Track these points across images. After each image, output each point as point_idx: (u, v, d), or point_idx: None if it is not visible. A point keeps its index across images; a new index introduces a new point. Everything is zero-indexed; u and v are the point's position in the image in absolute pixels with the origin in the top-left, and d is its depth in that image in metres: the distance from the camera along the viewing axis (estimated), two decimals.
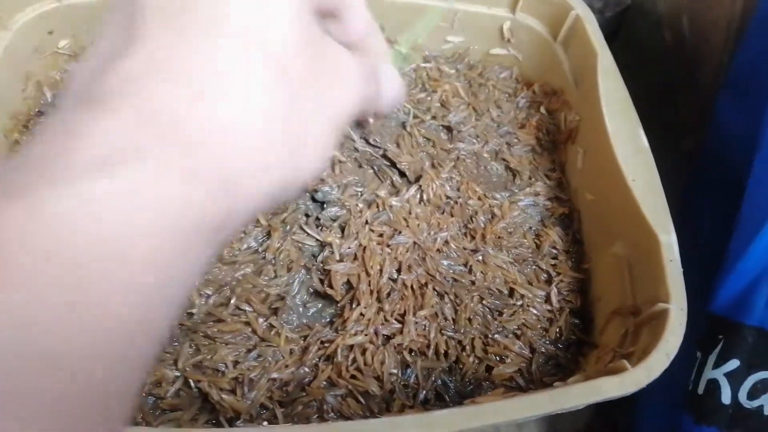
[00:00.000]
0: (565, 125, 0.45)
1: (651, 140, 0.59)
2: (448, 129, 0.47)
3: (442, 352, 0.36)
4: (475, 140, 0.46)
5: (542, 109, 0.48)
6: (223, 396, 0.33)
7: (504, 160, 0.45)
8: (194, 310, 0.36)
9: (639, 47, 0.69)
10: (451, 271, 0.40)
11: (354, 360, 0.35)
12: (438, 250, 0.40)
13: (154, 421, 0.33)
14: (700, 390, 0.35)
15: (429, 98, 0.48)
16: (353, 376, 0.35)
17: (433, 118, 0.47)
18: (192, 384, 0.34)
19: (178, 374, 0.34)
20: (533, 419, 0.44)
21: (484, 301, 0.39)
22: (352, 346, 0.35)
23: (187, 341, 0.35)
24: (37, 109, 0.45)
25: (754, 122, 0.38)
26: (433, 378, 0.35)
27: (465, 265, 0.40)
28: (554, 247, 0.41)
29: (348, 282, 0.38)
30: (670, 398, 0.39)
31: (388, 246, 0.39)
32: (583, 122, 0.43)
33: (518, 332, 0.38)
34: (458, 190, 0.43)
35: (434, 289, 0.38)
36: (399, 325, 0.37)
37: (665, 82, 0.66)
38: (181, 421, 0.33)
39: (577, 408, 0.29)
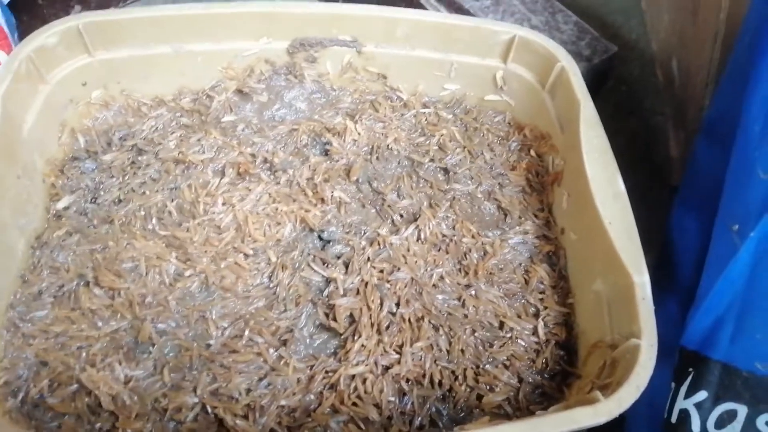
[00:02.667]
0: (552, 168, 0.49)
1: (644, 176, 0.63)
2: (445, 171, 0.51)
3: (437, 381, 0.40)
4: (469, 181, 0.50)
5: (532, 152, 0.51)
6: (237, 422, 0.37)
7: (496, 200, 0.49)
8: (212, 342, 0.40)
9: (634, 85, 0.73)
10: (445, 305, 0.43)
11: (355, 388, 0.39)
12: (434, 285, 0.44)
13: None
14: (673, 419, 0.37)
15: (428, 142, 0.52)
16: (354, 404, 0.38)
17: (431, 160, 0.51)
18: (209, 410, 0.37)
19: (197, 401, 0.38)
20: None
21: (476, 334, 0.42)
22: (353, 376, 0.39)
23: (205, 370, 0.39)
24: (71, 155, 0.49)
25: (725, 165, 0.41)
26: (428, 405, 0.39)
27: (459, 299, 0.43)
28: (542, 283, 0.45)
29: (351, 315, 0.42)
30: (655, 426, 0.42)
31: (388, 281, 0.43)
32: (567, 166, 0.47)
33: (507, 363, 0.41)
34: (453, 228, 0.47)
35: (430, 322, 0.42)
36: (397, 356, 0.40)
37: (659, 119, 0.69)
38: None
39: None
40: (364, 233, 0.46)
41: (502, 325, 0.43)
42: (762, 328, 0.35)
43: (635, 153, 0.66)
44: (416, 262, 0.44)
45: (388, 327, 0.41)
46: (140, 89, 0.53)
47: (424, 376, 0.40)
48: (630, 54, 0.74)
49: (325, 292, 0.43)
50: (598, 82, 0.59)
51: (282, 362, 0.39)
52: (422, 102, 0.55)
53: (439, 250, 0.46)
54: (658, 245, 0.52)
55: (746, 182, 0.37)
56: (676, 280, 0.46)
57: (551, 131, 0.50)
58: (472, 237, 0.47)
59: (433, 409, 0.39)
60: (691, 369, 0.37)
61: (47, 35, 0.47)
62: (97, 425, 0.36)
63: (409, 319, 0.42)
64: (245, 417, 0.37)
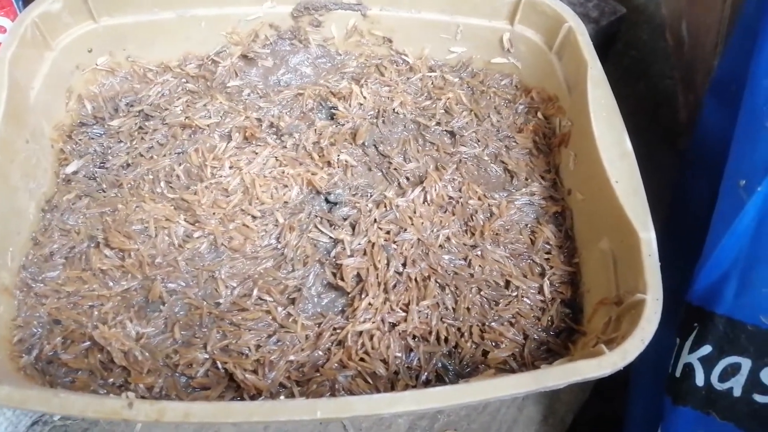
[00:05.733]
0: (559, 130, 0.49)
1: (653, 139, 0.62)
2: (451, 134, 0.51)
3: (443, 338, 0.40)
4: (476, 144, 0.50)
5: (539, 115, 0.51)
6: (247, 376, 0.37)
7: (503, 162, 0.49)
8: (221, 300, 0.41)
9: (643, 49, 0.72)
10: (451, 265, 0.43)
11: (363, 345, 0.39)
12: (440, 245, 0.44)
13: (185, 398, 0.37)
14: (678, 373, 0.38)
15: (434, 105, 0.52)
16: (362, 359, 0.39)
17: (438, 124, 0.51)
18: (219, 365, 0.38)
19: (207, 357, 0.38)
20: (531, 402, 0.47)
21: (481, 292, 0.42)
22: (361, 332, 0.39)
23: (215, 328, 0.39)
24: (78, 121, 0.50)
25: (733, 124, 0.41)
26: (434, 361, 0.39)
27: (465, 259, 0.44)
28: (548, 243, 0.45)
29: (358, 275, 0.42)
30: (659, 383, 0.42)
31: (395, 242, 0.43)
32: (575, 127, 0.47)
33: (513, 320, 0.42)
34: (460, 190, 0.47)
35: (436, 282, 0.42)
36: (403, 314, 0.41)
37: (668, 83, 0.69)
38: (209, 398, 0.37)
39: (558, 387, 0.33)
40: (371, 195, 0.47)
41: (507, 284, 0.43)
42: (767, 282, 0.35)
43: (644, 117, 0.66)
44: (422, 223, 0.45)
45: (394, 286, 0.41)
46: (145, 55, 0.53)
47: (430, 332, 0.40)
48: (639, 17, 0.73)
49: (333, 253, 0.43)
50: (606, 45, 0.58)
51: (290, 320, 0.40)
52: (428, 65, 0.54)
53: (445, 211, 0.46)
54: (665, 208, 0.52)
55: (754, 138, 0.37)
56: (683, 241, 0.46)
57: (558, 93, 0.50)
58: (479, 199, 0.47)
59: (439, 365, 0.39)
60: (695, 324, 0.37)
61: (51, 1, 0.47)
62: (110, 380, 0.37)
63: (416, 279, 0.42)
64: (255, 372, 0.38)
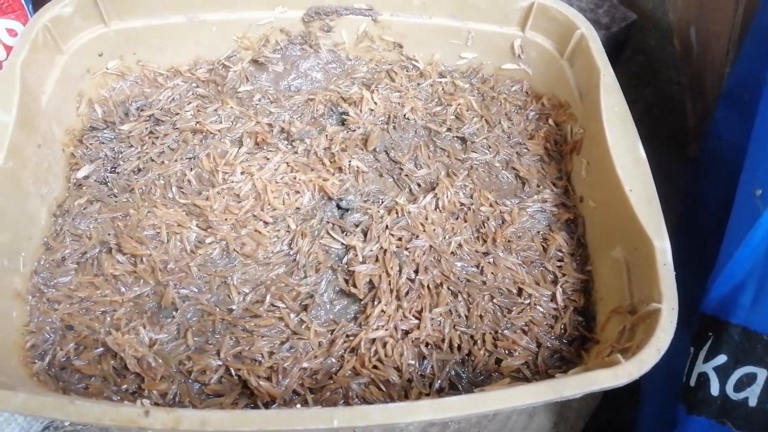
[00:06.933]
0: (571, 137, 0.49)
1: (660, 146, 0.63)
2: (462, 140, 0.51)
3: (456, 345, 0.40)
4: (487, 150, 0.50)
5: (550, 121, 0.51)
6: (261, 383, 0.37)
7: (514, 169, 0.49)
8: (234, 307, 0.41)
9: (650, 55, 0.72)
10: (464, 272, 0.43)
11: (376, 352, 0.39)
12: (452, 252, 0.44)
13: (199, 405, 0.37)
14: (692, 382, 0.38)
15: (445, 111, 0.52)
16: (375, 367, 0.39)
17: (448, 130, 0.51)
18: (233, 372, 0.38)
19: (221, 363, 0.38)
20: (542, 409, 0.47)
21: (494, 300, 0.42)
22: (374, 340, 0.39)
23: (228, 334, 0.39)
24: (89, 125, 0.50)
25: (747, 132, 0.41)
26: (447, 369, 0.39)
27: (477, 266, 0.44)
28: (560, 251, 0.45)
29: (370, 282, 0.42)
30: (671, 391, 0.42)
31: (407, 249, 0.43)
32: (587, 135, 0.47)
33: (526, 328, 0.42)
34: (471, 197, 0.47)
35: (449, 289, 0.42)
36: (416, 321, 0.40)
37: (676, 89, 0.69)
38: (223, 405, 0.37)
39: (575, 396, 0.33)
40: (382, 202, 0.47)
41: (520, 291, 0.43)
42: None
43: (652, 123, 0.66)
44: (434, 230, 0.45)
45: (407, 293, 0.41)
46: (156, 59, 0.53)
47: (443, 340, 0.40)
48: (647, 23, 0.73)
49: (345, 259, 0.43)
50: (616, 51, 0.58)
51: (303, 326, 0.40)
52: (439, 71, 0.54)
53: (457, 218, 0.46)
54: (675, 214, 0.52)
55: None
56: (694, 248, 0.46)
57: (570, 100, 0.50)
58: (490, 205, 0.47)
59: (453, 373, 0.39)
60: (710, 333, 0.37)
61: (63, 5, 0.47)
62: (123, 387, 0.37)
63: (428, 286, 0.42)
64: (268, 379, 0.37)
